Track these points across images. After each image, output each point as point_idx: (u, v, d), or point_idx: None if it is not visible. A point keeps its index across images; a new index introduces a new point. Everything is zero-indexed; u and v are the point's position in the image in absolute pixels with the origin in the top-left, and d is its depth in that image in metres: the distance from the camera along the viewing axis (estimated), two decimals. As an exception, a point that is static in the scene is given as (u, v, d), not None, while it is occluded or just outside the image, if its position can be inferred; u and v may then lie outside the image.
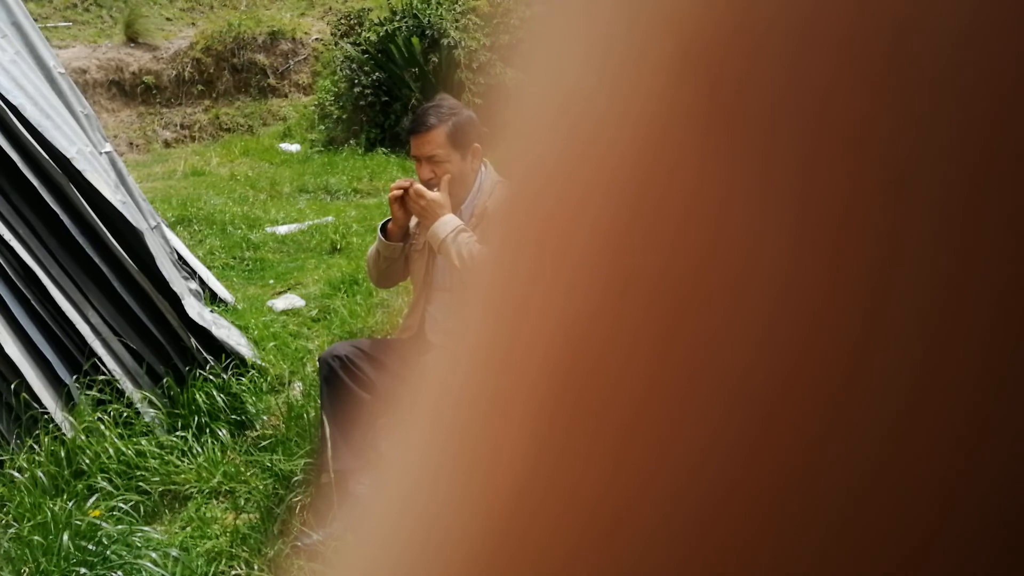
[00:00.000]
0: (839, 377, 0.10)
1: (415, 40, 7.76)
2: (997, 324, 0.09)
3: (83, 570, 2.25)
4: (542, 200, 0.11)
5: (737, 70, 0.10)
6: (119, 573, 2.26)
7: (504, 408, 0.11)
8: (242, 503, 2.56)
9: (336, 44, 8.57)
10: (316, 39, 9.77)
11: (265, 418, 2.96)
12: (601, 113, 0.11)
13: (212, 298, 3.88)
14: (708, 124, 0.10)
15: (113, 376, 2.86)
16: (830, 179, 0.10)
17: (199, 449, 2.78)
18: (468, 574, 0.11)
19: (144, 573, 2.27)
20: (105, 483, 2.61)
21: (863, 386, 0.09)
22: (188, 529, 2.50)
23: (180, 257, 3.78)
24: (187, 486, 2.66)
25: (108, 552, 2.32)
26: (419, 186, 2.20)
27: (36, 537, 2.34)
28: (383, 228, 2.37)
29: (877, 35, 0.09)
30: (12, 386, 2.71)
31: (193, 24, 9.85)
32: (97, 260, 2.94)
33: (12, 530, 2.43)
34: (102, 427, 2.74)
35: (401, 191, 2.24)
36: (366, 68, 8.05)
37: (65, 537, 2.31)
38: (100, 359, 2.86)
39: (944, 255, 0.09)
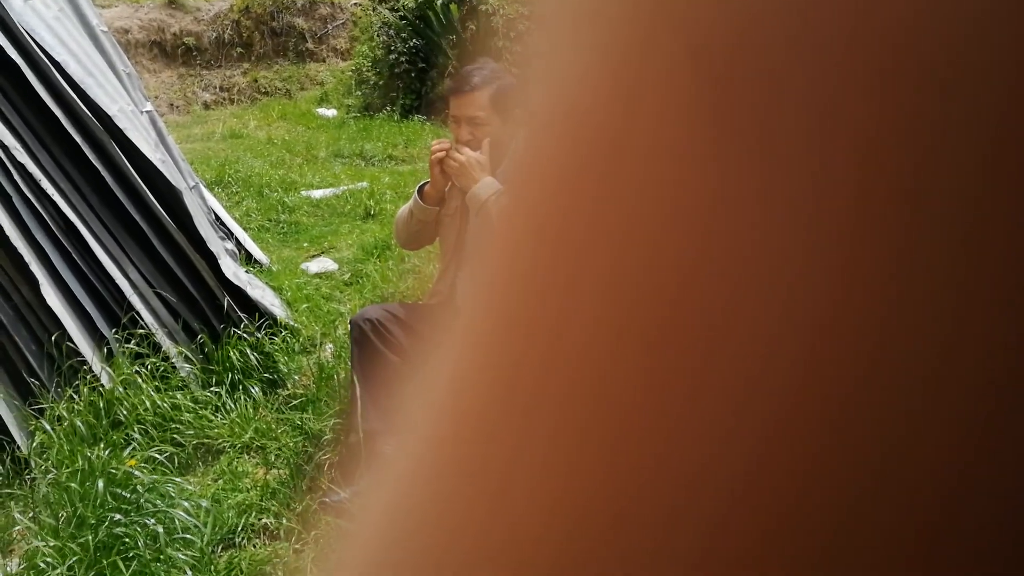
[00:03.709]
0: (852, 383, 0.09)
1: (453, 7, 7.70)
2: (1009, 329, 0.09)
3: (117, 516, 2.31)
4: (543, 189, 0.11)
5: (738, 68, 0.10)
6: (152, 520, 2.32)
7: (496, 387, 0.11)
8: (272, 459, 2.61)
9: (374, 10, 8.54)
10: (355, 4, 9.73)
11: (296, 378, 3.00)
12: (603, 107, 0.11)
13: (247, 259, 3.93)
14: (707, 121, 0.10)
15: (150, 330, 2.91)
16: (839, 183, 0.09)
17: (232, 405, 2.83)
18: (488, 535, 0.11)
19: (176, 521, 2.32)
20: (141, 434, 2.67)
21: (876, 391, 0.09)
22: (220, 482, 2.56)
23: (217, 217, 3.82)
24: (220, 440, 2.71)
25: (142, 500, 2.38)
26: (462, 147, 2.17)
27: (73, 484, 2.40)
28: (419, 190, 2.36)
29: (884, 36, 0.09)
30: (53, 337, 2.77)
31: (234, -14, 9.84)
32: (136, 217, 2.98)
33: (51, 476, 2.50)
34: (139, 380, 2.79)
35: (443, 152, 2.20)
36: (403, 34, 8.01)
37: (101, 484, 2.38)
38: (138, 313, 2.92)
39: (957, 261, 0.09)
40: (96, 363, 2.81)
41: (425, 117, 7.71)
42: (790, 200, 0.09)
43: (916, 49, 0.09)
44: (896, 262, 0.09)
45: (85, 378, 2.76)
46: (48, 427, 2.64)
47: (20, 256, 2.74)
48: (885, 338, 0.09)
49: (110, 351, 2.88)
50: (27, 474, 2.62)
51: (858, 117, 0.09)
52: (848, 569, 0.10)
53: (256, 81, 9.10)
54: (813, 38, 0.09)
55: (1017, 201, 0.09)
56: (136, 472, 2.47)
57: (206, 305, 3.07)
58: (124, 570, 2.17)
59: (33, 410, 2.75)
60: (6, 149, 2.78)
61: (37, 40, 2.92)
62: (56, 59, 2.94)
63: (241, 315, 3.07)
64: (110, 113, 2.99)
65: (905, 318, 0.09)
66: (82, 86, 2.97)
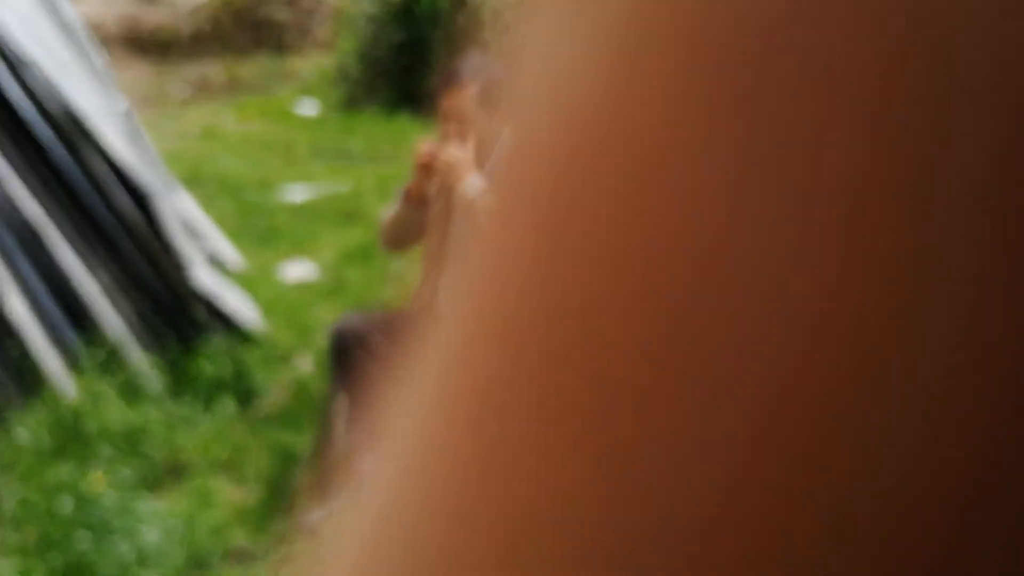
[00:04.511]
0: (852, 384, 0.09)
1: None
2: None
3: (86, 536, 2.26)
4: (539, 189, 0.11)
5: (733, 54, 0.09)
6: (121, 541, 2.28)
7: (485, 384, 0.11)
8: (247, 476, 2.57)
9: (358, 1, 8.50)
10: (338, -3, 9.67)
11: (272, 390, 2.96)
12: (601, 99, 0.10)
13: (221, 264, 3.86)
14: (704, 113, 0.09)
15: (119, 340, 2.87)
16: (837, 173, 0.09)
17: (205, 419, 2.78)
18: (474, 551, 0.11)
19: (147, 543, 2.28)
20: (110, 448, 2.61)
21: (880, 394, 0.09)
22: (192, 500, 2.50)
23: (191, 220, 3.76)
24: (192, 457, 2.66)
25: (110, 519, 2.33)
26: (449, 145, 2.17)
27: (39, 501, 2.37)
28: (404, 192, 2.35)
29: (889, 16, 0.09)
30: (16, 345, 2.70)
31: (214, -22, 9.77)
32: (107, 219, 2.95)
33: (16, 494, 2.44)
34: (107, 392, 2.74)
35: (429, 156, 2.20)
36: (388, 28, 7.99)
37: (68, 502, 2.34)
38: (107, 321, 2.87)
39: (970, 257, 0.09)
40: (61, 374, 2.74)
41: (411, 113, 7.66)
42: (781, 193, 0.09)
43: (927, 35, 0.09)
44: (903, 257, 0.09)
45: (50, 390, 2.70)
46: (13, 441, 2.57)
47: (-18, 261, 2.67)
48: (890, 338, 0.09)
49: (76, 361, 2.80)
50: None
51: (861, 103, 0.09)
52: None
53: (235, 76, 9.02)
54: (809, 17, 0.09)
55: None
56: (104, 490, 2.41)
57: (177, 313, 3.02)
58: (91, 595, 2.13)
59: (-4, 424, 2.67)
60: (-32, 149, 2.71)
61: (8, 35, 2.87)
62: (29, 55, 2.89)
63: (214, 324, 3.02)
64: (83, 111, 2.95)
65: (913, 317, 0.09)
66: (55, 83, 2.92)
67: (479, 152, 2.17)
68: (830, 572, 0.09)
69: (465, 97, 2.18)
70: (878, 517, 0.09)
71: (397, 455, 0.12)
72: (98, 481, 2.44)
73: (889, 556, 0.09)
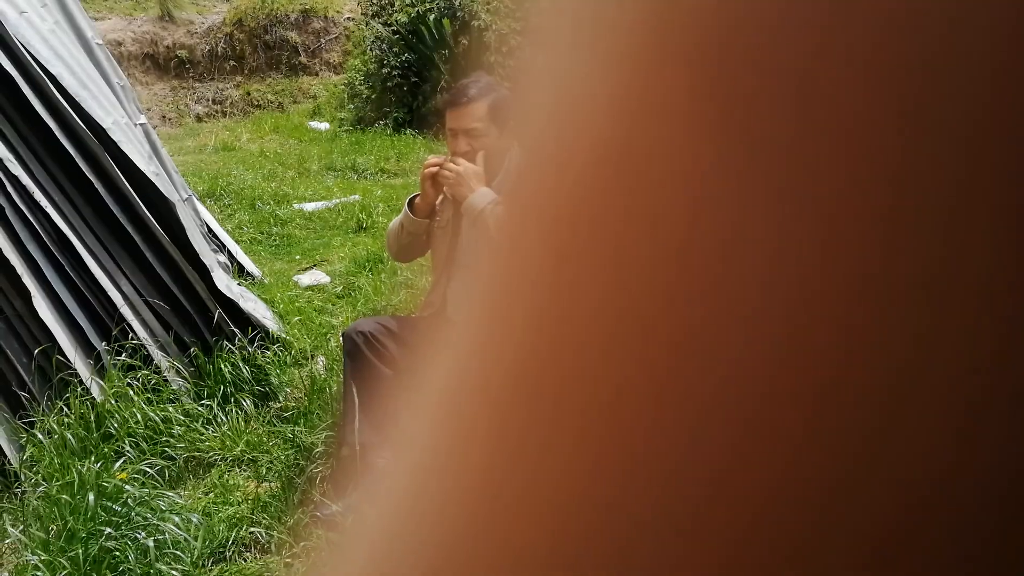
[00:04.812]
0: (827, 373, 0.09)
1: (446, 22, 7.75)
2: (988, 321, 0.09)
3: (108, 530, 2.29)
4: (547, 198, 0.11)
5: (728, 63, 0.10)
6: (142, 534, 2.30)
7: (495, 387, 0.11)
8: (264, 472, 2.61)
9: (367, 24, 8.57)
10: (348, 18, 9.78)
11: (288, 390, 3.00)
12: (607, 113, 0.11)
13: (240, 271, 3.92)
14: (689, 109, 0.10)
15: (142, 343, 2.90)
16: (820, 172, 0.09)
17: (223, 418, 2.83)
18: (482, 546, 0.11)
19: (167, 535, 2.30)
20: (132, 447, 2.65)
21: (852, 382, 0.09)
22: (211, 495, 2.55)
23: (210, 230, 3.81)
24: (211, 453, 2.70)
25: (132, 513, 2.36)
26: (458, 158, 2.19)
27: (64, 496, 2.39)
28: (410, 203, 2.38)
29: (861, 22, 0.09)
30: (42, 349, 2.76)
31: (227, 0, 9.89)
32: (130, 229, 2.98)
33: (41, 489, 2.48)
34: (130, 393, 2.78)
35: (436, 168, 2.23)
36: (396, 49, 8.05)
37: (91, 497, 2.36)
38: (130, 326, 2.91)
39: (937, 251, 0.09)
40: (87, 375, 2.79)
41: (417, 131, 7.72)
42: (768, 186, 0.09)
43: (900, 34, 0.09)
44: (876, 248, 0.09)
45: (76, 391, 2.75)
46: (39, 439, 2.62)
47: (12, 268, 2.74)
48: (863, 326, 0.09)
49: (101, 364, 2.86)
50: (16, 487, 2.60)
51: (840, 102, 0.09)
52: (822, 567, 0.10)
53: (249, 94, 9.12)
54: (794, 22, 0.09)
55: (1001, 187, 0.09)
56: (127, 485, 2.45)
57: (198, 318, 3.06)
58: (114, 584, 2.15)
59: (23, 423, 2.73)
60: (0, 161, 2.78)
61: (32, 53, 2.92)
62: (51, 71, 2.94)
63: (233, 328, 3.07)
64: (104, 125, 2.98)
65: (884, 305, 0.09)
66: (77, 98, 2.96)
67: (487, 166, 2.20)
68: (801, 557, 0.09)
69: (473, 113, 2.20)
70: (841, 509, 0.09)
71: (414, 455, 0.13)
72: (121, 477, 2.48)
73: (853, 542, 0.09)
